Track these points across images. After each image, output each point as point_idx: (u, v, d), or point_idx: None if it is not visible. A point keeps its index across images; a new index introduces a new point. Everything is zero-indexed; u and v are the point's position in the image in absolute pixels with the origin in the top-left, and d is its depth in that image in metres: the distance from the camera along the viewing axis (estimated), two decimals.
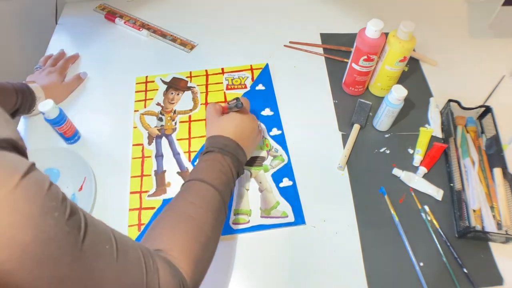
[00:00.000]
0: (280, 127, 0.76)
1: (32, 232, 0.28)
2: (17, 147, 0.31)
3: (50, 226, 0.29)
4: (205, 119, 0.77)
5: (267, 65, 0.86)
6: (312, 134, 0.75)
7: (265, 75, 0.84)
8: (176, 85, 0.83)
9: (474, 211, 0.63)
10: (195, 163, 0.58)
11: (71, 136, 0.72)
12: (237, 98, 0.61)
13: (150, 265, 0.39)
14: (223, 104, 0.66)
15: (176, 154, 0.73)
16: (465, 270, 0.59)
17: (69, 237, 0.31)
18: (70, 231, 0.31)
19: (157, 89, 0.82)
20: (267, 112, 0.78)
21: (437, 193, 0.66)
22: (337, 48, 0.89)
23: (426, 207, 0.66)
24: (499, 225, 0.62)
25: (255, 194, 0.68)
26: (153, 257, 0.40)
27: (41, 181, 0.30)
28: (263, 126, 0.71)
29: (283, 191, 0.68)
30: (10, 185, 0.28)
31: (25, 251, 0.28)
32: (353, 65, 0.74)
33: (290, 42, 0.91)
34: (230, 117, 0.62)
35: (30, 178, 0.29)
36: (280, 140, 0.74)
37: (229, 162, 0.57)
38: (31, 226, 0.28)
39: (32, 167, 0.30)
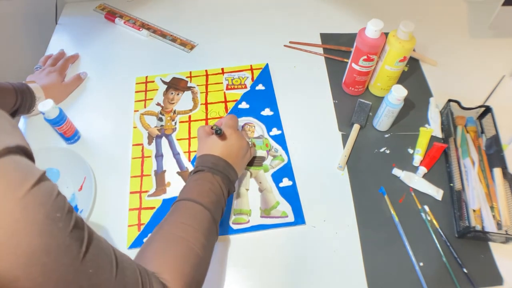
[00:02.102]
0: (280, 127, 0.76)
1: (37, 240, 0.29)
2: (27, 153, 0.32)
3: (54, 236, 0.30)
4: (205, 119, 0.77)
5: (267, 65, 0.86)
6: (312, 134, 0.75)
7: (265, 75, 0.84)
8: (176, 85, 0.83)
9: (474, 211, 0.63)
10: (185, 183, 0.57)
11: (71, 136, 0.72)
12: (216, 125, 0.61)
13: (147, 286, 0.39)
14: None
15: (176, 154, 0.73)
16: (465, 270, 0.59)
17: (71, 249, 0.31)
18: (72, 243, 0.31)
19: (157, 89, 0.82)
20: (267, 112, 0.78)
21: (437, 193, 0.66)
22: (337, 48, 0.89)
23: (426, 207, 0.66)
24: (499, 225, 0.62)
25: (255, 194, 0.68)
26: (150, 278, 0.41)
27: (50, 191, 0.31)
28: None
29: (283, 191, 0.68)
30: (21, 192, 0.28)
31: (31, 259, 0.28)
32: (353, 65, 0.74)
33: (290, 42, 0.91)
34: (216, 137, 0.62)
35: (40, 187, 0.30)
36: (280, 140, 0.74)
37: (219, 181, 0.56)
38: (36, 234, 0.29)
39: (43, 176, 0.31)
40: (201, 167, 0.58)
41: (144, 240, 0.50)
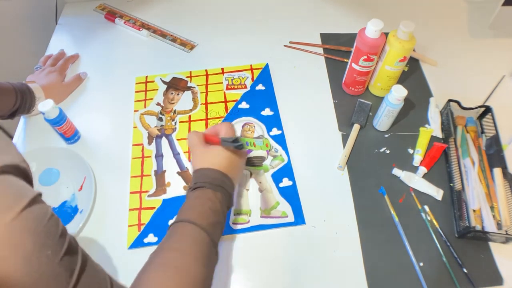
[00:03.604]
0: (280, 127, 0.76)
1: (23, 270, 0.27)
2: (21, 171, 0.31)
3: (41, 265, 0.28)
4: (205, 119, 0.77)
5: (267, 65, 0.86)
6: (312, 134, 0.75)
7: (265, 75, 0.84)
8: (176, 85, 0.83)
9: (474, 211, 0.63)
10: (185, 201, 0.54)
11: (71, 136, 0.72)
12: (237, 138, 0.56)
13: None
14: (209, 136, 0.60)
15: (176, 154, 0.73)
16: (465, 270, 0.59)
17: (60, 279, 0.30)
18: (62, 272, 0.30)
19: (157, 89, 0.82)
20: (267, 112, 0.78)
21: (437, 193, 0.66)
22: (337, 48, 0.89)
23: (426, 207, 0.66)
24: (499, 225, 0.62)
25: (255, 194, 0.68)
26: None
27: (42, 215, 0.29)
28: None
29: (283, 191, 0.68)
30: (9, 216, 0.27)
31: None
32: (353, 65, 0.74)
33: (290, 42, 0.91)
34: (219, 148, 0.57)
35: (31, 210, 0.28)
36: (280, 140, 0.74)
37: (220, 198, 0.53)
38: (22, 263, 0.27)
39: (36, 198, 0.29)
40: (200, 184, 0.54)
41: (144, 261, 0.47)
